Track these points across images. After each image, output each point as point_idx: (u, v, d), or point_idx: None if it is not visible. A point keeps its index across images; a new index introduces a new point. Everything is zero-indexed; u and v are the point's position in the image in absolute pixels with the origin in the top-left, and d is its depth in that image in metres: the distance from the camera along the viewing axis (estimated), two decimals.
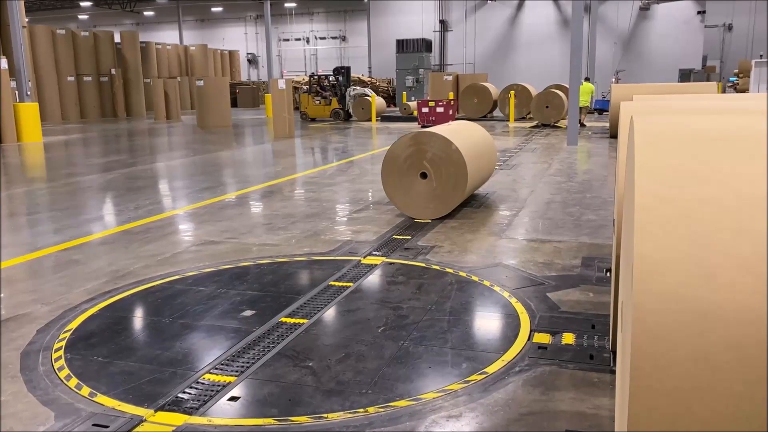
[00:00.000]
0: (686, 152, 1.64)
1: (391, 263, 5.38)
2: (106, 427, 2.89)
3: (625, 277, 2.25)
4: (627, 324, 1.81)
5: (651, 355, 1.42)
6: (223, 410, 3.02)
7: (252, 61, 46.92)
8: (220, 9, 45.82)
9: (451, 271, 5.14)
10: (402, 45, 31.45)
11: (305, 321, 4.09)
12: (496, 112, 24.82)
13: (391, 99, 33.28)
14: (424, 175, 6.93)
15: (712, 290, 1.41)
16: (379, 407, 3.00)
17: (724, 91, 27.63)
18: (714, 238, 1.44)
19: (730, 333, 1.38)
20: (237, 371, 3.39)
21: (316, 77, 25.72)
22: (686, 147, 1.66)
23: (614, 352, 3.51)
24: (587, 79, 20.35)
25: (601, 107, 24.09)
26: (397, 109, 27.77)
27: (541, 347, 3.65)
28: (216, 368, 3.44)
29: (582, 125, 19.51)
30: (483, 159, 7.66)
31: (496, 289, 4.69)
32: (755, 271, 1.40)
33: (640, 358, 1.43)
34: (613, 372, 3.31)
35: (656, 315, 1.42)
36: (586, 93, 19.44)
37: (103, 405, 3.08)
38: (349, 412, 2.96)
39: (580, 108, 19.13)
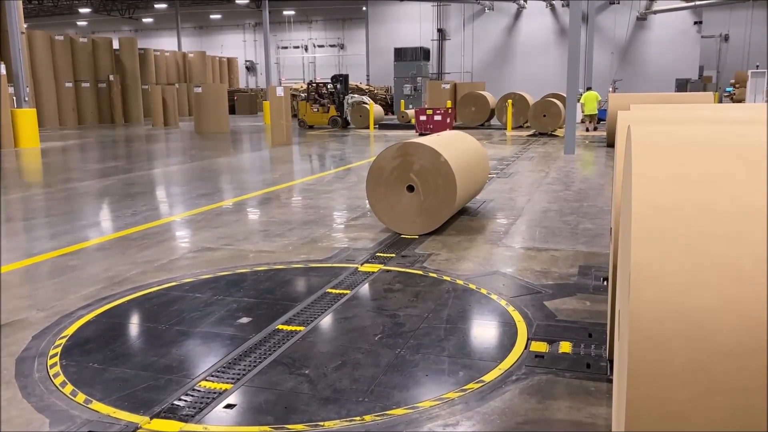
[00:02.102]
0: (684, 161, 1.64)
1: (388, 270, 5.37)
2: None
3: (622, 286, 2.25)
4: (624, 332, 1.80)
5: (648, 364, 1.42)
6: (219, 418, 3.00)
7: (250, 68, 47.00)
8: (218, 16, 45.93)
9: (448, 278, 5.13)
10: (400, 53, 31.55)
11: (302, 328, 4.08)
12: (494, 121, 24.89)
13: (389, 107, 33.36)
14: (411, 188, 6.57)
15: (709, 299, 1.41)
16: (375, 415, 2.99)
17: (720, 101, 27.75)
18: (711, 246, 1.45)
19: (727, 341, 1.38)
20: (233, 379, 3.38)
21: (314, 85, 25.76)
22: (684, 156, 1.67)
23: (611, 361, 3.51)
24: (589, 89, 21.28)
25: (599, 116, 24.23)
26: (395, 116, 27.82)
27: (538, 356, 3.65)
28: (212, 375, 3.42)
29: (594, 129, 20.46)
30: (474, 171, 7.32)
31: (493, 297, 4.69)
32: (752, 279, 1.40)
33: (636, 367, 1.43)
34: (610, 381, 3.31)
35: (653, 323, 1.43)
36: (592, 100, 20.35)
37: (98, 412, 3.06)
38: (346, 420, 2.95)
39: (590, 116, 20.38)
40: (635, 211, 1.55)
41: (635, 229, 1.52)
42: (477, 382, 3.31)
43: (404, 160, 6.57)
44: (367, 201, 8.69)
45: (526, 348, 3.75)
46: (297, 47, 45.44)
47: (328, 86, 25.01)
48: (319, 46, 45.12)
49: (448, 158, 6.46)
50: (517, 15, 36.64)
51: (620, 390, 1.82)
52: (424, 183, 6.51)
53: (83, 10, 42.28)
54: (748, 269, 1.41)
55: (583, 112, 20.93)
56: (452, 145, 7.11)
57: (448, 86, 26.38)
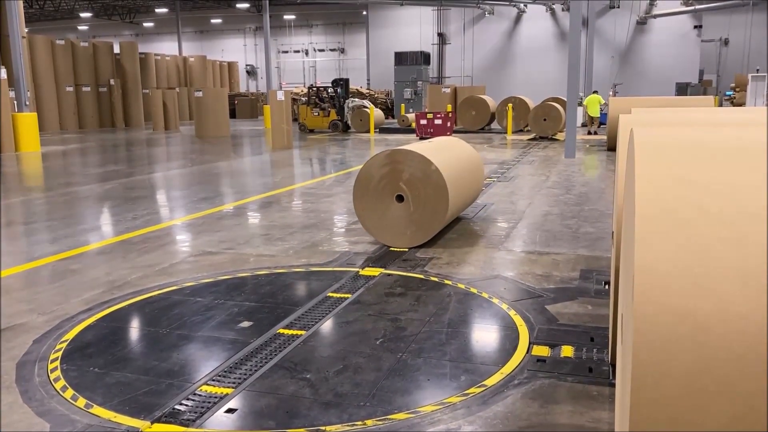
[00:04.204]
0: (687, 163, 1.64)
1: (389, 274, 5.37)
2: None
3: (625, 289, 2.24)
4: (627, 336, 1.80)
5: (651, 367, 1.41)
6: (220, 422, 3.00)
7: (251, 72, 47.09)
8: (219, 21, 46.03)
9: (449, 282, 5.13)
10: (400, 57, 31.59)
11: (303, 332, 4.07)
12: (494, 125, 24.91)
13: (389, 111, 33.38)
14: (400, 198, 6.20)
15: (712, 302, 1.40)
16: (377, 420, 2.98)
17: (720, 105, 27.78)
18: (715, 249, 1.44)
19: (732, 345, 1.38)
20: (234, 383, 3.37)
21: (314, 89, 25.80)
22: (687, 158, 1.66)
23: (613, 365, 3.50)
24: (595, 92, 21.64)
25: (600, 120, 24.30)
26: (396, 120, 27.84)
27: (540, 360, 3.64)
28: (213, 380, 3.42)
29: (594, 133, 21.28)
30: (468, 179, 6.96)
31: (495, 301, 4.68)
32: (756, 282, 1.40)
33: (640, 370, 1.42)
34: (612, 385, 3.30)
35: (657, 326, 1.42)
36: (595, 103, 20.80)
37: (99, 416, 3.05)
38: (347, 425, 2.94)
39: (592, 118, 20.86)
40: (639, 213, 1.54)
41: (639, 232, 1.51)
42: (479, 387, 3.30)
43: (393, 168, 6.20)
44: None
45: (527, 352, 3.74)
46: (297, 51, 45.54)
47: (329, 90, 25.05)
48: (320, 50, 45.21)
49: (440, 166, 6.11)
50: (517, 19, 36.70)
51: (624, 393, 1.82)
52: (414, 193, 6.14)
53: (84, 15, 42.41)
54: (753, 272, 1.41)
55: (587, 113, 21.53)
56: (444, 152, 6.77)
57: (448, 90, 26.40)
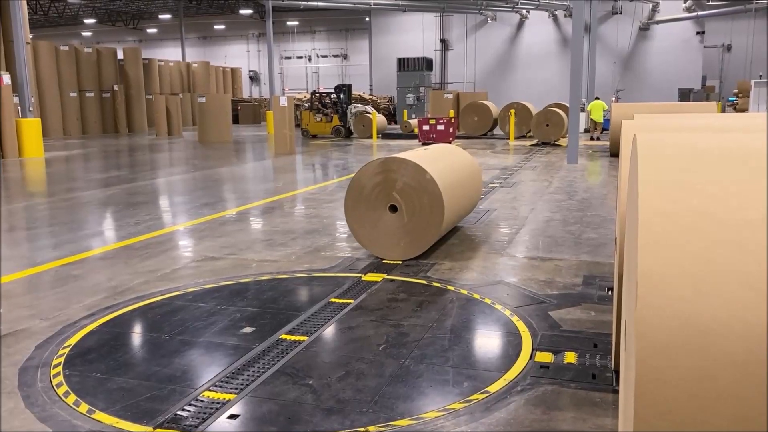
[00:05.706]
0: (690, 168, 1.64)
1: (391, 280, 5.36)
2: None
3: (628, 295, 2.24)
4: (630, 342, 1.79)
5: (655, 373, 1.41)
6: (223, 428, 2.99)
7: (254, 78, 47.22)
8: (222, 27, 46.20)
9: (452, 288, 5.12)
10: (403, 63, 31.66)
11: (305, 338, 4.07)
12: (497, 130, 24.91)
13: (391, 116, 33.42)
14: (394, 208, 5.95)
15: (715, 306, 1.40)
16: (379, 426, 2.97)
17: (723, 111, 27.77)
18: (718, 254, 1.44)
19: (735, 349, 1.37)
20: (236, 388, 3.36)
21: (317, 94, 25.84)
22: (690, 163, 1.66)
23: (616, 372, 3.49)
24: (597, 98, 21.72)
25: (603, 126, 24.32)
26: (398, 126, 27.87)
27: (543, 366, 3.63)
28: (215, 385, 3.41)
29: (597, 138, 21.41)
30: (464, 189, 6.73)
31: (498, 307, 4.67)
32: (758, 287, 1.39)
33: (643, 376, 1.42)
34: (616, 391, 3.28)
35: (660, 332, 1.41)
36: (599, 109, 20.89)
37: (101, 422, 3.05)
38: (350, 431, 2.93)
39: (596, 123, 20.96)
40: (642, 218, 1.54)
41: (642, 237, 1.51)
42: (482, 393, 3.29)
43: (386, 177, 5.95)
44: None
45: (530, 358, 3.73)
46: (300, 57, 45.67)
47: (332, 96, 25.08)
48: (323, 56, 45.34)
49: (435, 175, 5.87)
50: (520, 25, 36.77)
51: (627, 399, 1.81)
52: (408, 202, 5.89)
53: (88, 21, 42.59)
54: (756, 277, 1.40)
55: (591, 118, 21.63)
56: (440, 160, 6.54)
57: (450, 96, 26.42)
